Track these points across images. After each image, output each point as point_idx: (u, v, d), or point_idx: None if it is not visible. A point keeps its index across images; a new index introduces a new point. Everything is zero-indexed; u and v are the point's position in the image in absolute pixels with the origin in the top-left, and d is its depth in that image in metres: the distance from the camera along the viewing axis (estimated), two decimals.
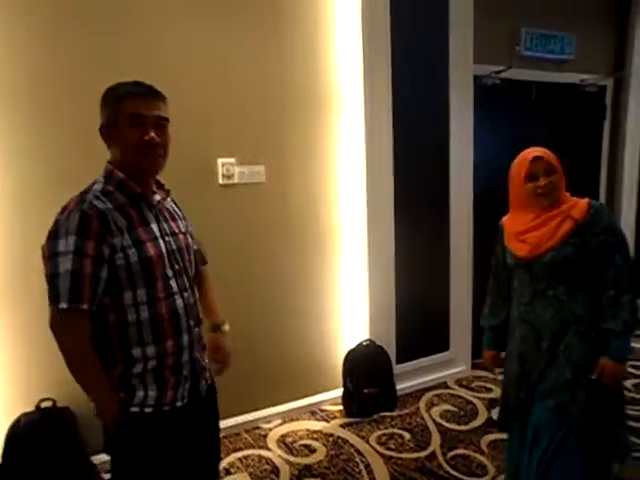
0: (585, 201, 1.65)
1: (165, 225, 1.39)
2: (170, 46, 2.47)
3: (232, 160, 2.68)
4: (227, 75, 2.63)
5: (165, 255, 1.33)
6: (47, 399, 2.23)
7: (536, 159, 1.65)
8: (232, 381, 2.70)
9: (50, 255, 1.22)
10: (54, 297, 1.20)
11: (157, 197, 1.39)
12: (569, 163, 4.25)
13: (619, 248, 1.60)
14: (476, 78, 3.32)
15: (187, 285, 1.40)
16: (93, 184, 1.31)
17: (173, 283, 1.34)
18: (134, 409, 1.29)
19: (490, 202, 3.45)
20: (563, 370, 1.64)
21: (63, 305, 1.19)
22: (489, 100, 3.46)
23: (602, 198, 4.28)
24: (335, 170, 2.98)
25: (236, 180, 2.70)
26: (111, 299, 1.26)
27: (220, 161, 2.65)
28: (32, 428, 2.14)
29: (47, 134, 2.25)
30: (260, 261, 2.82)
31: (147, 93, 1.32)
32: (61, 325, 1.23)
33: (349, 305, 3.08)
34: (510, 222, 1.80)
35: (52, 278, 1.21)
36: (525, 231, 1.69)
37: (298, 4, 2.76)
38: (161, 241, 1.34)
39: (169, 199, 1.48)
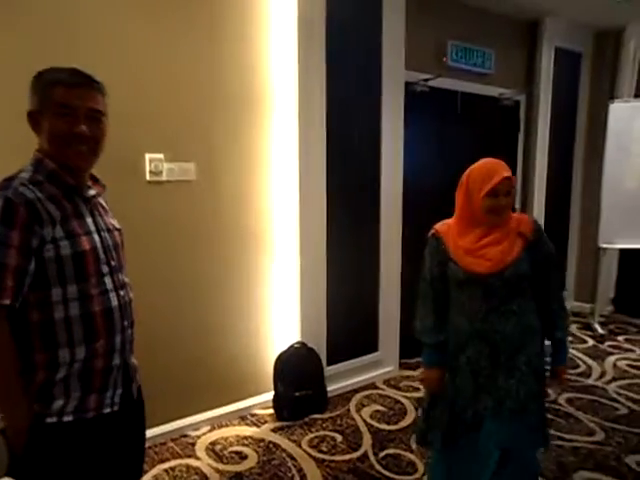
0: (529, 218, 1.73)
1: (100, 220, 1.31)
2: (100, 38, 2.32)
3: (161, 156, 2.55)
4: (158, 70, 2.50)
5: (101, 250, 1.25)
6: None
7: (505, 179, 1.62)
8: (157, 387, 2.57)
9: None
10: None
11: (92, 192, 1.29)
12: None
13: (555, 262, 1.73)
14: (407, 85, 3.41)
15: (122, 283, 1.32)
16: (19, 172, 1.21)
17: (108, 280, 1.26)
18: (50, 419, 1.16)
19: (417, 207, 3.59)
20: (530, 384, 1.66)
21: None
22: (418, 106, 3.57)
23: (517, 205, 4.59)
24: (267, 170, 2.93)
25: (164, 177, 2.58)
26: (36, 296, 1.15)
27: (148, 156, 2.51)
28: None
29: None
30: (188, 261, 2.70)
31: (82, 82, 1.22)
32: None
33: (280, 307, 3.03)
34: (456, 235, 1.72)
35: None
36: (481, 247, 1.66)
37: (233, 4, 2.69)
38: (96, 236, 1.26)
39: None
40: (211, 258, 2.78)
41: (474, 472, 1.73)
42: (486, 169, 1.66)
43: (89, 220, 1.26)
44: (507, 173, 1.63)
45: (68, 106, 1.20)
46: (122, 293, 1.30)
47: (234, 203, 2.83)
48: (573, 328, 4.57)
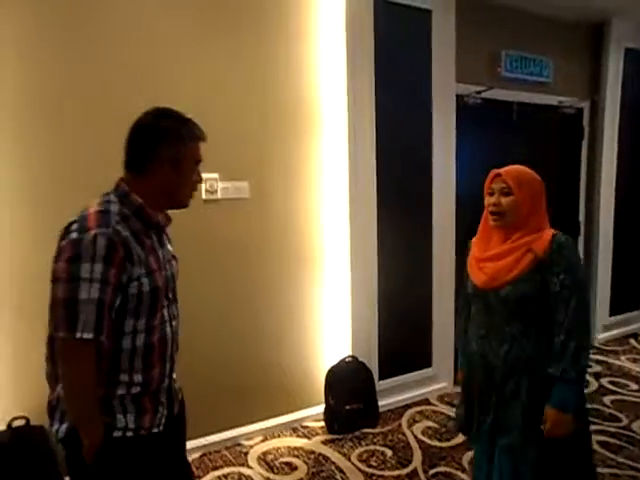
0: (549, 234, 1.53)
1: (165, 252, 1.38)
2: (153, 64, 2.49)
3: (216, 175, 2.69)
4: (210, 92, 2.65)
5: (165, 284, 1.33)
6: (20, 417, 2.18)
7: (496, 176, 1.60)
8: (213, 397, 2.71)
9: (69, 278, 1.15)
10: (71, 325, 1.15)
11: (162, 221, 1.38)
12: (549, 182, 4.33)
13: (577, 290, 1.48)
14: (458, 97, 3.39)
15: (175, 313, 1.40)
16: (108, 203, 1.27)
17: (166, 312, 1.34)
18: (117, 434, 1.25)
19: (471, 222, 3.51)
20: (513, 412, 1.56)
21: (87, 335, 1.15)
22: (471, 119, 3.53)
23: (581, 217, 4.37)
24: (318, 187, 3.00)
25: (219, 196, 2.71)
26: (110, 325, 1.22)
27: (204, 176, 2.65)
28: (3, 448, 2.08)
29: (50, 137, 2.27)
30: (243, 277, 2.81)
31: (204, 137, 1.40)
32: (76, 355, 1.17)
33: (332, 321, 3.07)
34: (476, 243, 1.71)
35: (69, 304, 1.15)
36: (486, 259, 1.61)
37: (282, 22, 2.81)
38: (163, 269, 1.34)
39: None
40: (264, 273, 2.87)
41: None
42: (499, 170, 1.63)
43: (160, 253, 1.34)
44: (500, 171, 1.59)
45: (200, 160, 1.39)
46: (174, 323, 1.38)
47: (286, 219, 2.92)
48: None
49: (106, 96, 2.36)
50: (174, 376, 1.45)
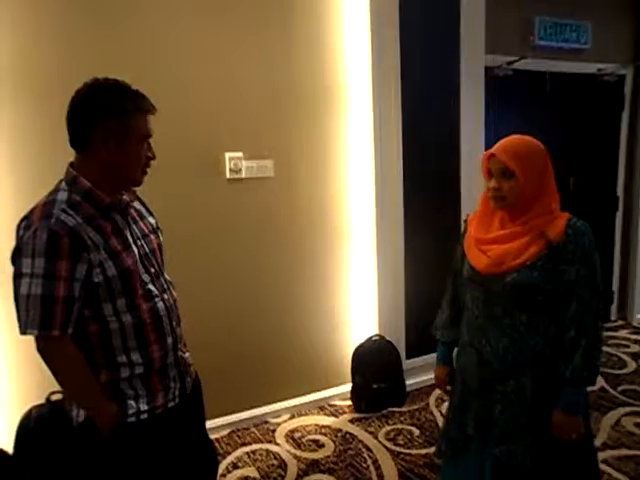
0: (564, 218, 1.37)
1: (135, 228, 1.32)
2: (177, 42, 2.47)
3: (239, 154, 2.67)
4: (235, 70, 2.62)
5: (139, 261, 1.28)
6: (58, 392, 2.25)
7: (491, 157, 1.39)
8: (241, 376, 2.75)
9: (15, 275, 1.15)
10: (22, 322, 1.15)
11: (125, 198, 1.31)
12: (585, 156, 4.14)
13: (590, 281, 1.34)
14: (488, 69, 3.25)
15: (165, 286, 1.36)
16: (56, 192, 1.21)
17: (152, 287, 1.30)
18: (131, 419, 1.26)
19: None
20: (517, 415, 1.40)
21: (34, 332, 1.14)
22: (501, 92, 3.39)
23: (620, 193, 4.17)
24: (344, 164, 2.96)
25: (244, 175, 2.70)
26: (90, 311, 1.21)
27: (228, 155, 2.65)
28: (42, 420, 2.16)
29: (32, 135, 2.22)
30: (268, 256, 2.81)
31: (153, 110, 1.28)
32: (44, 350, 1.18)
33: (358, 300, 3.06)
34: (475, 223, 1.51)
35: (18, 301, 1.14)
36: (489, 241, 1.42)
37: (307, 4, 2.74)
38: (134, 247, 1.28)
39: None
40: (290, 253, 2.86)
41: None
42: (493, 147, 1.41)
43: (127, 232, 1.28)
44: (495, 151, 1.37)
45: (149, 135, 1.27)
46: (166, 296, 1.33)
47: (311, 198, 2.89)
48: None
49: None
50: (185, 352, 1.43)
